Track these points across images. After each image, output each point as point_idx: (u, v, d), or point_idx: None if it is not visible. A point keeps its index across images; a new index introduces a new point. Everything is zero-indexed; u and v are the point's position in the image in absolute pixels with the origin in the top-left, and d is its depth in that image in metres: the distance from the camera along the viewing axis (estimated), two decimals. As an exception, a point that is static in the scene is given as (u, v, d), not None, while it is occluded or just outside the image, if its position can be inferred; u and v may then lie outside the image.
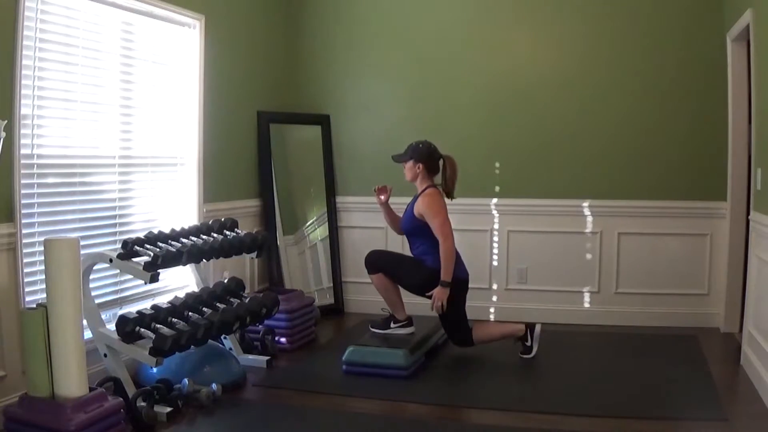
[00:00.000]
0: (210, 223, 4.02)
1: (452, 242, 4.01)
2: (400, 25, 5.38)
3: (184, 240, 3.70)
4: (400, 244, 4.98)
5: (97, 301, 3.50)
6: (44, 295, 2.92)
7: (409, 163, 4.18)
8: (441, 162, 4.19)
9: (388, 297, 4.20)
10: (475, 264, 5.24)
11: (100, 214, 3.76)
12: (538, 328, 4.18)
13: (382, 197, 4.31)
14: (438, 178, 4.21)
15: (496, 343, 4.39)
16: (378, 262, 4.19)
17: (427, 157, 4.15)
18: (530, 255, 5.20)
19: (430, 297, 4.07)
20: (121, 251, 3.37)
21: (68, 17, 3.49)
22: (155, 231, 3.63)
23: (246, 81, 5.10)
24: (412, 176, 4.19)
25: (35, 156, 3.32)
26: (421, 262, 4.16)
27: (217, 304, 3.71)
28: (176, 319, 3.40)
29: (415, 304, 4.40)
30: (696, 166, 4.90)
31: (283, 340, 4.41)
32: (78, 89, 3.57)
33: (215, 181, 4.69)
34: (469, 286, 4.27)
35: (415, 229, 4.14)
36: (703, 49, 4.82)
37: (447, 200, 4.19)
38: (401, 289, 4.23)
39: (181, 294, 3.83)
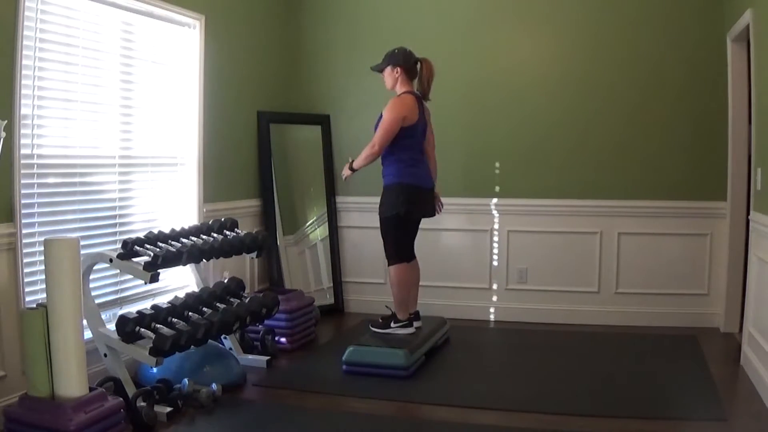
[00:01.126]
0: (210, 223, 4.02)
1: (376, 150, 4.03)
2: (400, 25, 5.37)
3: (184, 240, 3.70)
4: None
5: (97, 301, 3.50)
6: (44, 295, 2.92)
7: (387, 69, 4.18)
8: (418, 65, 4.17)
9: (400, 293, 4.16)
10: (475, 264, 5.27)
11: (100, 214, 3.76)
12: (413, 329, 4.16)
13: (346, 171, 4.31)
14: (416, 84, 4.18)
15: (496, 344, 4.40)
16: (388, 253, 4.15)
17: (404, 60, 4.15)
18: (530, 255, 5.20)
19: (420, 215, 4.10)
20: (121, 251, 3.37)
21: (68, 17, 3.49)
22: (155, 231, 3.63)
23: (246, 81, 5.10)
24: (392, 83, 4.20)
25: (35, 156, 3.32)
26: (382, 194, 4.12)
27: (217, 304, 3.71)
28: (176, 319, 3.40)
29: (418, 305, 4.40)
30: (696, 166, 4.90)
31: (283, 340, 4.41)
32: (78, 89, 3.57)
33: (215, 181, 4.69)
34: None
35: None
36: (703, 49, 4.82)
37: (425, 102, 4.16)
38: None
39: (181, 294, 3.83)
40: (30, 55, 3.22)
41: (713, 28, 4.78)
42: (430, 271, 4.62)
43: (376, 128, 4.13)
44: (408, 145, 4.09)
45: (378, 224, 4.20)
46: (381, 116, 4.09)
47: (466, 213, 5.20)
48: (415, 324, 4.25)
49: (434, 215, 4.29)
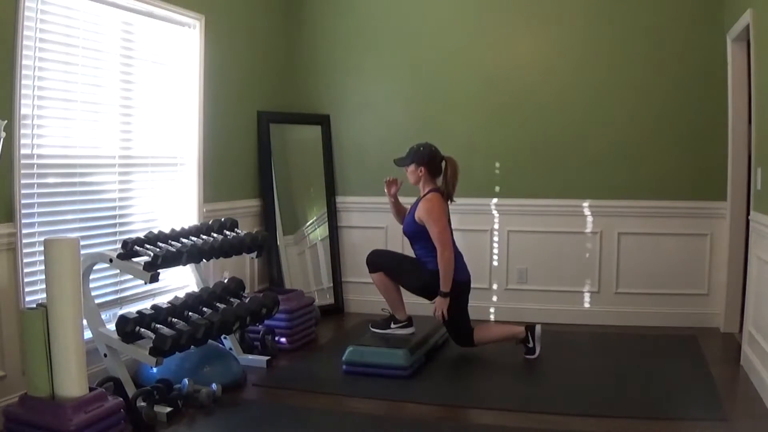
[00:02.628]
0: (210, 223, 4.02)
1: (451, 252, 4.02)
2: (400, 25, 5.38)
3: (184, 240, 3.70)
4: (400, 244, 4.99)
5: (97, 301, 3.50)
6: (44, 295, 2.91)
7: (411, 167, 4.18)
8: (443, 164, 4.18)
9: (388, 296, 4.21)
10: (475, 264, 5.24)
11: (100, 214, 3.76)
12: (538, 328, 4.18)
13: (392, 190, 4.31)
14: (440, 180, 4.22)
15: (496, 343, 4.39)
16: (379, 261, 4.19)
17: (429, 159, 4.15)
18: (530, 255, 5.20)
19: (429, 299, 4.08)
20: (121, 251, 3.37)
21: (68, 17, 3.49)
22: (155, 231, 3.63)
23: (246, 81, 5.10)
24: (414, 180, 4.20)
25: (35, 156, 3.32)
26: (421, 263, 4.16)
27: (217, 304, 3.71)
28: (176, 319, 3.40)
29: (416, 304, 4.40)
30: (696, 166, 4.90)
31: (283, 340, 4.41)
32: (78, 89, 3.57)
33: (215, 181, 4.69)
34: (471, 286, 4.27)
35: (415, 233, 4.15)
36: (703, 49, 4.82)
37: (449, 203, 4.20)
38: (402, 290, 4.24)
39: (181, 294, 3.83)
40: (30, 55, 3.22)
41: (713, 28, 4.78)
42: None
43: (408, 232, 4.18)
44: (430, 239, 4.09)
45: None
46: (413, 217, 4.11)
47: (466, 213, 5.20)
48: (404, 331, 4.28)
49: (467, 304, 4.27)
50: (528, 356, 4.17)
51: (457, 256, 4.16)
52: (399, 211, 4.39)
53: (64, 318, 2.83)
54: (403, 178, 4.33)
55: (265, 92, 5.36)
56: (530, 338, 4.16)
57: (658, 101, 4.93)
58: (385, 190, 4.34)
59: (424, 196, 4.15)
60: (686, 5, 4.86)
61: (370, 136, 5.49)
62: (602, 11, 5.00)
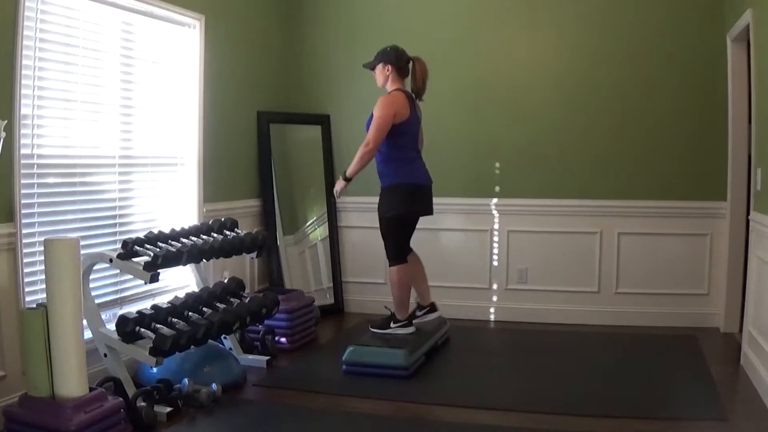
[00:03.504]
0: (210, 223, 4.02)
1: (371, 149, 3.98)
2: (400, 25, 5.37)
3: (184, 240, 3.70)
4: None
5: (97, 301, 3.50)
6: (44, 295, 2.92)
7: (379, 67, 4.17)
8: (410, 64, 4.17)
9: (401, 294, 4.15)
10: (475, 264, 5.27)
11: (100, 214, 3.76)
12: (436, 315, 4.25)
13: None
14: (408, 82, 4.18)
15: (496, 344, 4.40)
16: (389, 255, 4.14)
17: (396, 58, 4.14)
18: (530, 255, 5.20)
19: (411, 217, 4.09)
20: (121, 251, 3.37)
21: (68, 17, 3.49)
22: (155, 231, 3.63)
23: (246, 81, 5.10)
24: (383, 80, 4.18)
25: (35, 156, 3.32)
26: (380, 197, 4.12)
27: (217, 304, 3.71)
28: (176, 319, 3.40)
29: (415, 305, 4.40)
30: (696, 166, 4.90)
31: (283, 340, 4.41)
32: (78, 89, 3.57)
33: (215, 181, 4.69)
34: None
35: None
36: (703, 49, 4.82)
37: (418, 102, 4.15)
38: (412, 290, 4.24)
39: (181, 294, 3.83)
40: (30, 55, 3.22)
41: (713, 28, 4.78)
42: (431, 271, 4.61)
43: (367, 128, 4.11)
44: (402, 144, 4.08)
45: (375, 224, 4.19)
46: (372, 116, 4.07)
47: (466, 213, 5.20)
48: (433, 315, 4.31)
49: (432, 213, 4.28)
50: (372, 327, 4.19)
51: (417, 160, 4.12)
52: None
53: (64, 318, 2.83)
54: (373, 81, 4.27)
55: (265, 92, 5.37)
56: (426, 313, 4.22)
57: (658, 101, 4.93)
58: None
59: (387, 94, 4.12)
60: (686, 5, 4.86)
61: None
62: (602, 11, 5.00)
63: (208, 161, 4.61)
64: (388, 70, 4.14)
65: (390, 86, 4.16)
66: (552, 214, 5.14)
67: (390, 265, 4.17)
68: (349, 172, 4.09)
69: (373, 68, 4.22)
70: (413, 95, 4.17)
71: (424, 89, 4.17)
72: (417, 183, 4.12)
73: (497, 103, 5.21)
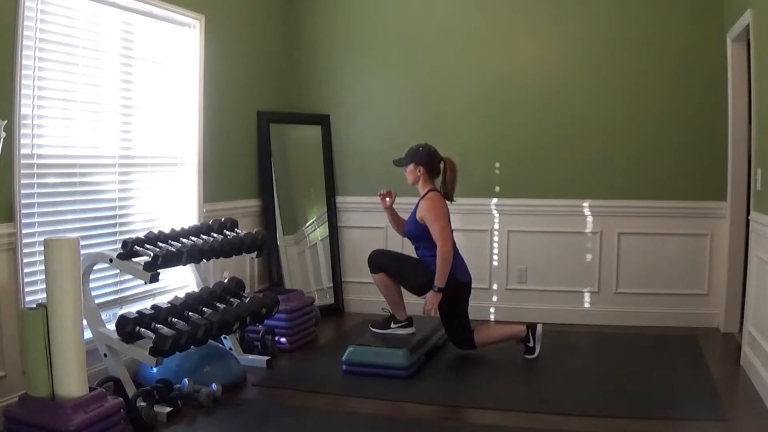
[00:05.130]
0: (210, 223, 4.02)
1: (450, 248, 4.02)
2: (400, 25, 5.38)
3: (184, 240, 3.70)
4: (399, 244, 4.98)
5: (97, 301, 3.50)
6: (44, 295, 2.92)
7: (410, 167, 4.20)
8: (441, 164, 4.19)
9: (389, 297, 4.20)
10: (475, 264, 5.23)
11: (100, 214, 3.76)
12: (539, 328, 4.18)
13: (387, 200, 4.32)
14: (439, 181, 4.22)
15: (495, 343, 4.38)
16: (381, 261, 4.19)
17: (427, 160, 4.16)
18: (530, 255, 5.20)
19: (442, 307, 4.11)
20: (121, 251, 3.37)
21: (68, 17, 3.49)
22: (155, 231, 3.63)
23: (246, 81, 5.10)
24: (413, 180, 4.21)
25: (35, 156, 3.32)
26: (423, 263, 4.17)
27: (217, 304, 3.71)
28: (176, 319, 3.40)
29: (416, 304, 4.40)
30: (696, 166, 4.90)
31: (283, 340, 4.41)
32: (78, 89, 3.57)
33: (215, 181, 4.69)
34: (471, 288, 4.27)
35: (418, 233, 4.15)
36: (703, 49, 4.82)
37: (448, 203, 4.20)
38: (402, 290, 4.24)
39: (181, 294, 3.83)
40: (30, 55, 3.22)
41: (713, 28, 4.78)
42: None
43: (410, 232, 4.18)
44: (432, 239, 4.09)
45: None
46: (413, 217, 4.13)
47: (466, 213, 5.20)
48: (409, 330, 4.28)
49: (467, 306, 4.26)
50: (527, 356, 4.17)
51: (458, 257, 4.16)
52: (396, 221, 4.39)
53: (64, 318, 2.83)
54: (402, 180, 4.32)
55: (265, 92, 5.36)
56: (531, 337, 4.16)
57: (658, 101, 4.93)
58: (380, 202, 4.34)
59: (424, 195, 4.16)
60: (686, 5, 4.86)
61: (370, 136, 5.49)
62: (602, 12, 5.00)
63: (208, 161, 4.61)
64: (419, 171, 4.17)
65: (422, 187, 4.19)
66: (552, 214, 5.14)
67: (371, 272, 4.19)
68: (440, 282, 4.00)
69: (403, 166, 4.23)
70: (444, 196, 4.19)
71: (453, 191, 4.21)
72: (463, 281, 4.16)
73: (497, 104, 5.21)
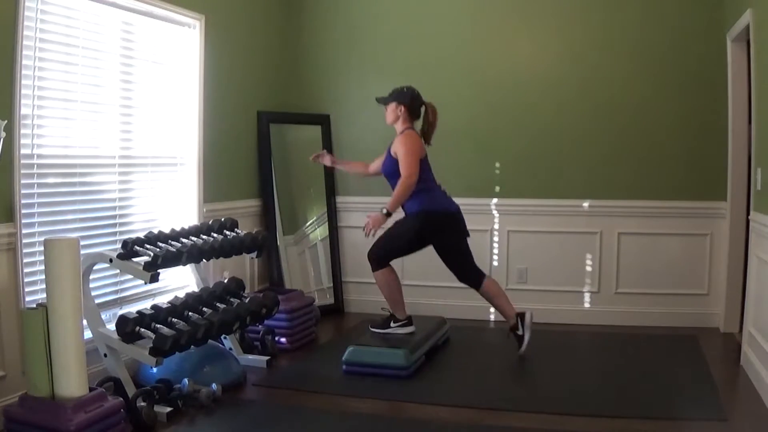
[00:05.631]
0: (210, 223, 4.02)
1: (413, 180, 4.02)
2: (400, 25, 5.38)
3: (184, 240, 3.70)
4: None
5: (97, 301, 3.50)
6: (44, 295, 2.92)
7: (392, 105, 4.21)
8: (423, 109, 4.21)
9: (390, 295, 4.18)
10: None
11: (100, 214, 3.76)
12: (528, 315, 4.20)
13: (327, 159, 4.40)
14: (418, 125, 4.23)
15: (496, 344, 4.39)
16: (376, 252, 4.14)
17: (410, 100, 4.19)
18: (530, 255, 5.20)
19: (434, 243, 4.13)
20: (121, 251, 3.37)
21: (68, 17, 3.49)
22: (155, 231, 3.63)
23: (246, 81, 5.10)
24: (393, 119, 4.23)
25: (35, 156, 3.32)
26: (405, 217, 4.17)
27: (217, 304, 3.71)
28: (176, 319, 3.40)
29: (416, 304, 4.40)
30: (696, 166, 4.90)
31: (283, 340, 4.41)
32: (78, 89, 3.57)
33: (215, 181, 4.69)
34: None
35: (392, 168, 4.15)
36: (703, 49, 4.82)
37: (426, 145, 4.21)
38: (402, 289, 4.23)
39: (181, 294, 3.83)
40: (30, 55, 3.22)
41: (713, 28, 4.78)
42: (430, 271, 4.63)
43: (386, 171, 4.18)
44: (425, 177, 4.13)
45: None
46: (388, 155, 4.15)
47: (466, 213, 5.15)
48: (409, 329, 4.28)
49: (468, 235, 4.27)
50: (520, 348, 4.16)
51: (439, 191, 4.18)
52: (351, 166, 4.52)
53: (64, 318, 2.83)
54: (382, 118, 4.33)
55: (265, 92, 5.37)
56: (520, 325, 4.17)
57: (658, 101, 4.93)
58: (323, 163, 4.40)
59: (401, 133, 4.17)
60: (686, 5, 4.86)
61: (370, 136, 5.48)
62: (602, 12, 5.00)
63: (208, 161, 4.61)
64: (400, 111, 4.18)
65: (400, 126, 4.20)
66: (552, 214, 5.14)
67: (373, 270, 4.16)
68: (391, 207, 4.02)
69: (386, 104, 4.25)
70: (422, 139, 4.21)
71: (432, 135, 4.23)
72: (445, 209, 4.15)
73: (498, 104, 5.21)
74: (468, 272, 4.25)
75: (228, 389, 3.60)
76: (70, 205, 3.54)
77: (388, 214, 4.03)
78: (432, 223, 4.11)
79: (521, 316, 4.20)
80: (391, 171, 4.19)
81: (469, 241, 5.08)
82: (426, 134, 4.23)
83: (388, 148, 4.22)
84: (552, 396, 3.58)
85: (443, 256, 4.23)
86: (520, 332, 4.19)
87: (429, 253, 4.64)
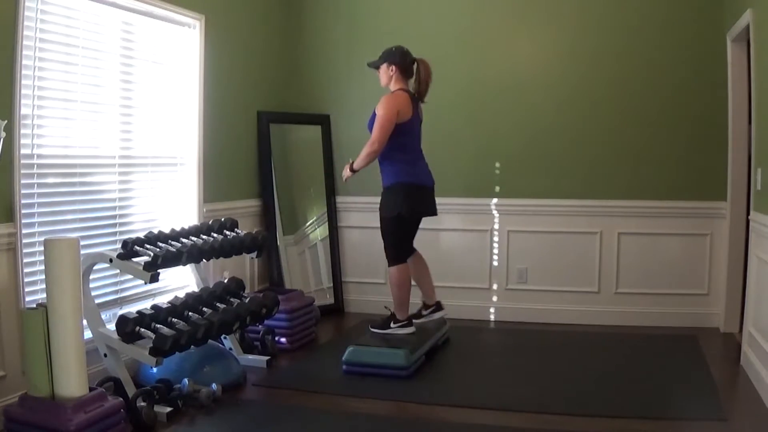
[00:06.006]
0: (210, 223, 4.02)
1: (376, 148, 3.98)
2: (400, 25, 5.37)
3: (184, 240, 3.70)
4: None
5: (97, 301, 3.50)
6: (44, 295, 2.92)
7: (383, 66, 4.18)
8: (415, 66, 4.17)
9: (400, 294, 4.14)
10: (475, 264, 5.26)
11: (100, 214, 3.76)
12: (441, 314, 4.28)
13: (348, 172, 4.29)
14: (413, 83, 4.19)
15: (496, 344, 4.39)
16: (388, 253, 4.12)
17: (400, 58, 4.15)
18: (530, 255, 5.20)
19: (416, 216, 4.11)
20: (121, 251, 3.37)
21: (68, 17, 3.49)
22: (155, 231, 3.63)
23: (246, 81, 5.10)
24: (386, 80, 4.19)
25: (35, 156, 3.32)
26: (382, 197, 4.13)
27: (217, 304, 3.71)
28: (176, 319, 3.40)
29: (415, 304, 4.40)
30: (696, 166, 4.90)
31: (283, 340, 4.41)
32: (78, 89, 3.57)
33: (215, 181, 4.69)
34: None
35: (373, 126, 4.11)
36: (703, 49, 4.82)
37: (420, 104, 4.17)
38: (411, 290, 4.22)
39: (181, 294, 3.83)
40: (30, 55, 3.22)
41: (713, 28, 4.78)
42: (431, 271, 4.60)
43: (370, 128, 4.11)
44: (405, 143, 4.08)
45: (375, 224, 4.19)
46: (374, 115, 4.07)
47: (466, 213, 5.20)
48: (438, 314, 4.33)
49: (437, 214, 4.28)
50: (372, 327, 4.16)
51: (419, 161, 4.14)
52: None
53: (64, 318, 2.83)
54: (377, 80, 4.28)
55: (265, 92, 5.37)
56: (429, 313, 4.26)
57: (658, 101, 4.93)
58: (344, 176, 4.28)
59: (390, 93, 4.13)
60: (686, 5, 4.86)
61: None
62: (602, 12, 5.00)
63: (208, 161, 4.61)
64: (392, 71, 4.15)
65: (393, 86, 4.17)
66: (552, 214, 5.14)
67: (389, 266, 4.16)
68: (356, 165, 4.11)
69: (377, 67, 4.23)
70: (416, 96, 4.17)
71: (427, 91, 4.19)
72: (419, 183, 4.12)
73: (497, 103, 5.21)
74: (387, 252, 4.14)
75: (228, 389, 3.60)
76: (70, 205, 3.54)
77: (353, 170, 4.10)
78: (406, 195, 4.03)
79: (439, 306, 4.29)
80: (371, 128, 4.12)
81: (470, 240, 5.08)
82: (420, 92, 4.18)
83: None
84: (552, 396, 3.58)
85: (382, 225, 4.13)
86: (422, 314, 4.26)
87: (429, 253, 4.65)
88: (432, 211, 4.23)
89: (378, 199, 4.23)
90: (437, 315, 4.36)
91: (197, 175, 4.53)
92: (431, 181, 4.20)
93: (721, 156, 4.74)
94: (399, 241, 4.15)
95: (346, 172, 4.19)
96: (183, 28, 4.41)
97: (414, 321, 4.22)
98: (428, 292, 4.39)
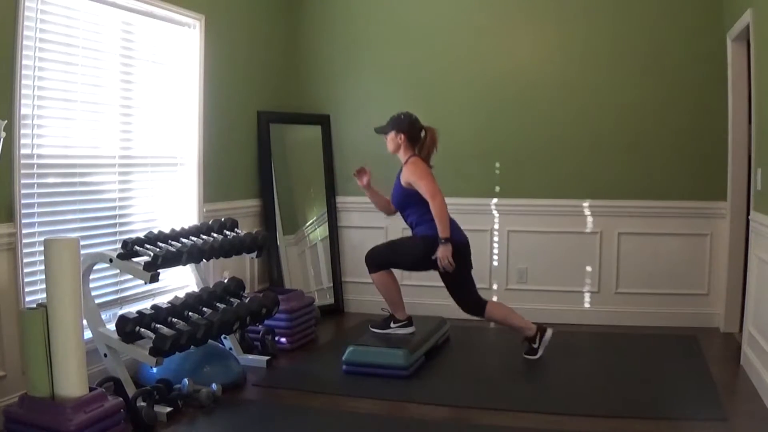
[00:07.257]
0: (210, 223, 4.02)
1: (442, 200, 3.97)
2: (401, 25, 5.38)
3: (184, 240, 3.70)
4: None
5: (97, 301, 3.50)
6: (44, 295, 2.92)
7: (391, 134, 4.17)
8: (422, 133, 4.18)
9: (388, 296, 4.18)
10: (475, 264, 5.24)
11: (100, 214, 3.76)
12: (549, 333, 4.16)
13: (364, 179, 4.29)
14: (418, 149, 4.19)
15: (496, 344, 4.38)
16: (376, 258, 4.15)
17: (409, 127, 4.15)
18: (530, 255, 5.20)
19: (431, 266, 4.06)
20: (121, 251, 3.37)
21: (68, 17, 3.49)
22: (155, 231, 3.63)
23: (246, 81, 5.10)
24: (394, 147, 4.19)
25: (35, 156, 3.32)
26: (414, 235, 4.15)
27: (217, 304, 3.71)
28: (176, 319, 3.40)
29: (415, 304, 4.40)
30: (696, 166, 4.90)
31: (283, 340, 4.41)
32: (78, 89, 3.57)
33: (215, 181, 4.69)
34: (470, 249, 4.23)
35: (405, 198, 4.12)
36: (703, 49, 4.82)
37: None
38: (400, 289, 4.23)
39: (181, 294, 3.83)
40: (30, 55, 3.22)
41: (713, 28, 4.78)
42: (430, 271, 4.60)
43: (397, 200, 4.15)
44: (421, 202, 4.07)
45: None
46: (399, 184, 4.10)
47: (466, 213, 5.19)
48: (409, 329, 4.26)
49: (469, 270, 4.22)
50: (527, 356, 4.16)
51: (452, 221, 4.11)
52: (378, 199, 4.37)
53: (64, 318, 2.83)
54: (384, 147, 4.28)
55: (265, 92, 5.37)
56: (538, 340, 4.15)
57: (658, 101, 4.93)
58: (358, 183, 4.31)
59: (406, 162, 4.13)
60: (686, 5, 4.86)
61: (370, 136, 5.44)
62: (601, 11, 5.00)
63: (208, 161, 4.61)
64: (400, 139, 4.14)
65: (403, 154, 4.16)
66: (552, 214, 5.14)
67: (370, 272, 4.16)
68: (444, 233, 3.95)
69: (385, 134, 4.22)
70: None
71: (430, 159, 4.18)
72: (459, 240, 4.08)
73: (498, 104, 5.21)
74: (470, 302, 4.20)
75: (228, 389, 3.60)
76: (70, 205, 3.55)
77: (447, 241, 3.95)
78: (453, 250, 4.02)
79: (542, 331, 4.17)
80: (403, 201, 4.14)
81: (470, 241, 5.08)
82: (425, 158, 4.17)
83: (397, 177, 4.17)
84: (552, 396, 3.58)
85: (449, 285, 4.17)
86: (535, 345, 4.16)
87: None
88: (468, 264, 4.21)
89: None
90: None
91: (197, 175, 4.53)
92: (465, 237, 4.19)
93: (721, 156, 4.74)
94: (399, 262, 4.15)
95: (447, 251, 3.95)
96: (183, 28, 4.41)
97: (377, 330, 4.21)
98: (523, 328, 4.25)
